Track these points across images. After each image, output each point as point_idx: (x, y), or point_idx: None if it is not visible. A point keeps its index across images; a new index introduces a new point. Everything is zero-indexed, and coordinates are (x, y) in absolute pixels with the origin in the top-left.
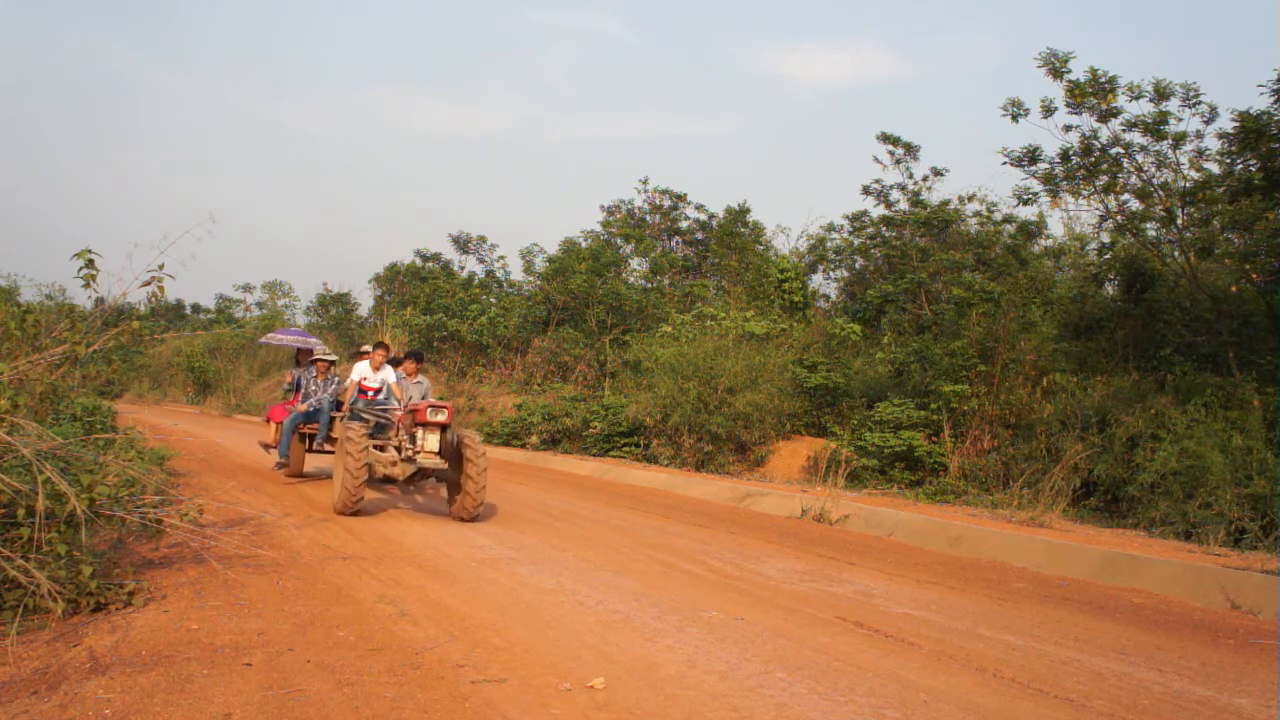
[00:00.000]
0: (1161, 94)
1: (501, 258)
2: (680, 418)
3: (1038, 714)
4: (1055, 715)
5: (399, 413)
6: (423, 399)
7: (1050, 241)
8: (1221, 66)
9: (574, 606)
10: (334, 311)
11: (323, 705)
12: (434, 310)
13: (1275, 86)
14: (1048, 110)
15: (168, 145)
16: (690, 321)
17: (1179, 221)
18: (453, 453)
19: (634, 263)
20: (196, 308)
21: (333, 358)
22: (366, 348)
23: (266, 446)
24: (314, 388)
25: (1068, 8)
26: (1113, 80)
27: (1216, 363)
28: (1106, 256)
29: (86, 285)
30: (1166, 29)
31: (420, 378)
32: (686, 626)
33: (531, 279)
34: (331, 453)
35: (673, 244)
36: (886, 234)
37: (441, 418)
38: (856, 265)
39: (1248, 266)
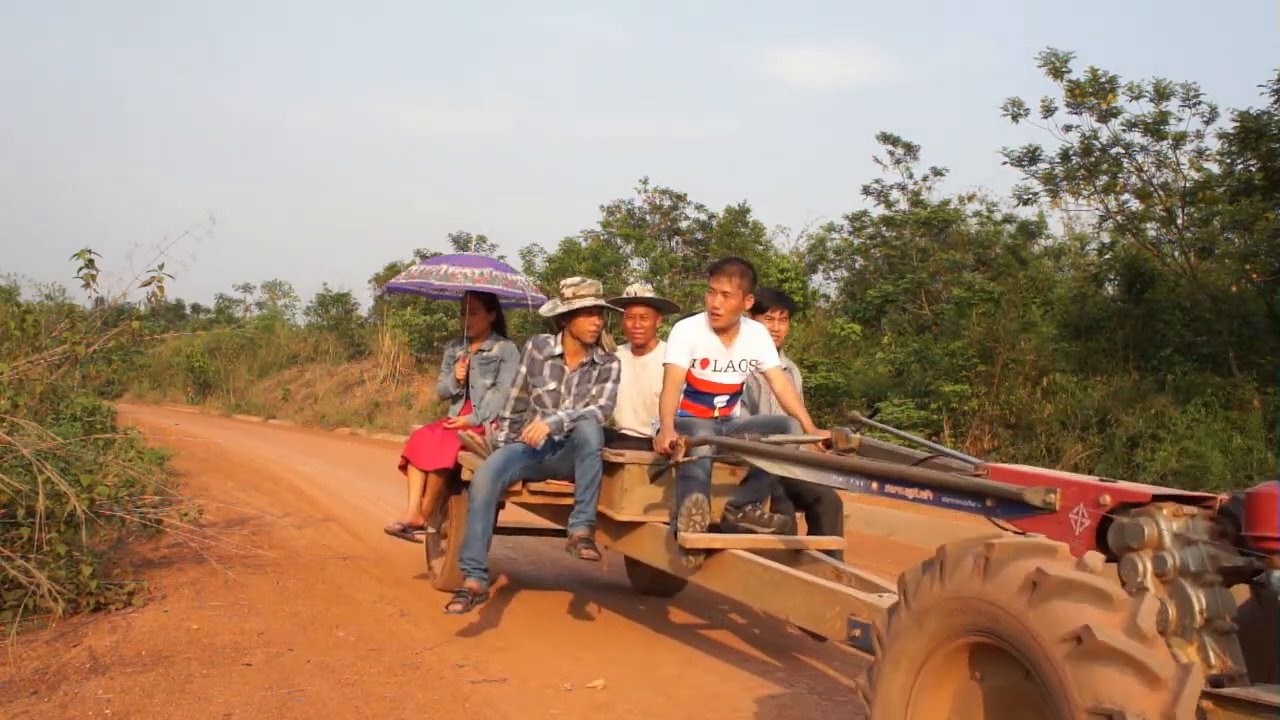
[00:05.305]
0: (1161, 94)
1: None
2: None
3: None
4: None
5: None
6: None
7: (1050, 241)
8: (1221, 67)
9: (575, 607)
10: (334, 311)
11: (323, 705)
12: (434, 310)
13: (1275, 86)
14: (1048, 110)
15: (167, 146)
16: None
17: (1179, 221)
18: None
19: (634, 263)
20: (196, 308)
21: (601, 302)
22: (637, 288)
23: (404, 531)
24: (550, 383)
25: (1068, 7)
26: (1113, 80)
27: (1216, 363)
28: (1106, 256)
29: (86, 285)
30: (1166, 29)
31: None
32: (687, 626)
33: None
34: (587, 545)
35: (673, 244)
36: (886, 234)
37: None
38: (856, 265)
39: (1248, 266)
